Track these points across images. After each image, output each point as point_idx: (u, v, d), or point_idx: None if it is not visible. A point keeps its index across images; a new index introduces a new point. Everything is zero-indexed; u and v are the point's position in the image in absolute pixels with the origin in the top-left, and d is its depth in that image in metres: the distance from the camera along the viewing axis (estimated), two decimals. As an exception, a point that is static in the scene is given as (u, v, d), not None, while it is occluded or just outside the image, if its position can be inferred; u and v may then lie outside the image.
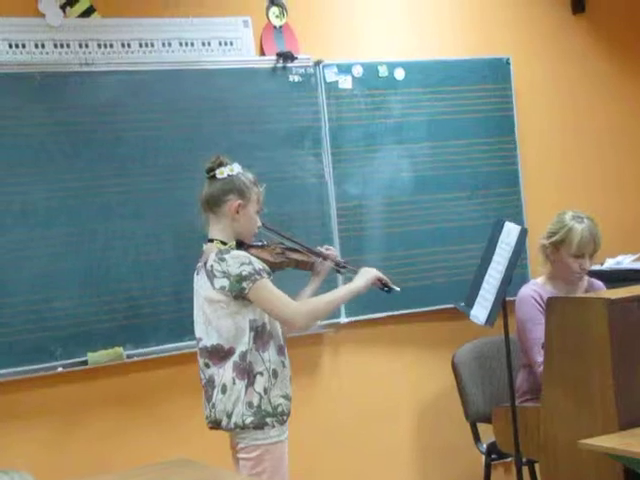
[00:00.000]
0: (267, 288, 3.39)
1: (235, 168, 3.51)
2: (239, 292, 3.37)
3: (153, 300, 4.25)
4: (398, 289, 3.70)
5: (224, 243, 3.47)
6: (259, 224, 3.56)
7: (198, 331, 3.51)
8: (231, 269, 3.37)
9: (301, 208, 4.56)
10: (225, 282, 3.37)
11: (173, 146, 4.31)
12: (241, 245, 3.52)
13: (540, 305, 4.04)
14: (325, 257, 3.71)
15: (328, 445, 4.68)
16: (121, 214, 4.21)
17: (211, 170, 3.51)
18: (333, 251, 3.78)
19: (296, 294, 3.62)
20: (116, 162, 4.22)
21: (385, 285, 3.66)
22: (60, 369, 4.09)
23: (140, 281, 4.23)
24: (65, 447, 4.14)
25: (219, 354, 3.43)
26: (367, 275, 3.62)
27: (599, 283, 4.32)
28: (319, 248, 3.75)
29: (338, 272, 3.82)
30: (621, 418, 3.38)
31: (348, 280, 3.66)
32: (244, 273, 3.36)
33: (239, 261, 3.38)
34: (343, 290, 3.60)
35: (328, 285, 3.79)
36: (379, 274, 3.65)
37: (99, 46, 4.24)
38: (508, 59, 5.08)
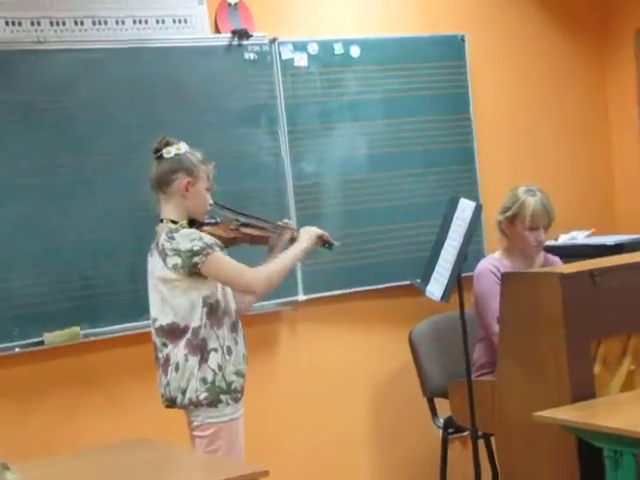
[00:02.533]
0: (220, 260, 3.41)
1: (182, 147, 3.51)
2: (192, 267, 3.37)
3: (109, 279, 4.24)
4: (338, 243, 3.75)
5: (174, 222, 3.48)
6: (210, 201, 3.56)
7: (153, 311, 3.52)
8: (181, 246, 3.37)
9: (258, 186, 4.55)
10: (177, 259, 3.38)
11: (127, 125, 4.28)
12: (194, 223, 3.52)
13: (498, 278, 4.07)
14: (281, 229, 3.72)
15: (285, 422, 4.70)
16: (75, 193, 4.18)
17: (158, 150, 3.51)
18: (290, 224, 3.79)
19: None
20: (69, 141, 4.19)
21: (326, 242, 3.69)
22: (17, 349, 4.07)
23: (95, 261, 4.21)
24: (22, 427, 4.12)
25: (175, 333, 3.43)
26: (310, 233, 3.64)
27: (555, 258, 4.37)
28: (277, 222, 3.75)
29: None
30: (574, 391, 3.43)
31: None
32: (195, 248, 3.37)
33: (189, 237, 3.39)
34: (292, 251, 3.60)
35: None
36: (320, 231, 3.68)
37: (51, 24, 4.19)
38: (463, 36, 5.09)
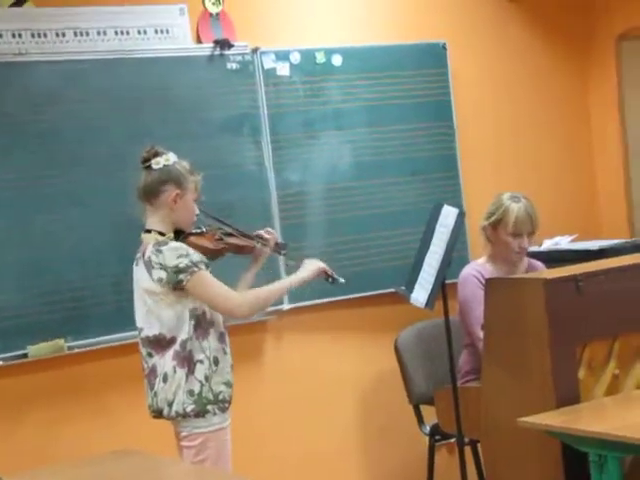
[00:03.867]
0: (206, 280, 3.40)
1: (171, 157, 3.49)
2: (176, 284, 3.37)
3: (93, 291, 4.23)
4: (343, 280, 3.72)
5: (162, 234, 3.46)
6: (197, 212, 3.55)
7: (139, 321, 3.51)
8: (168, 261, 3.36)
9: (241, 196, 4.56)
10: (162, 274, 3.37)
11: (110, 136, 4.28)
12: (180, 233, 3.52)
13: (482, 284, 4.08)
14: (265, 240, 3.71)
15: (272, 431, 4.69)
16: (59, 205, 4.18)
17: (146, 160, 3.49)
18: (274, 234, 3.78)
19: (236, 280, 3.62)
20: (53, 153, 4.19)
21: (330, 276, 3.69)
22: (0, 362, 4.06)
23: (80, 272, 4.21)
24: (7, 440, 4.10)
25: (161, 343, 3.42)
26: (312, 267, 3.64)
27: (539, 264, 4.39)
28: (259, 231, 3.75)
29: (278, 254, 3.84)
30: (559, 396, 3.44)
31: (292, 268, 3.68)
32: (181, 265, 3.36)
33: (176, 253, 3.38)
34: (286, 282, 3.63)
35: (270, 267, 3.81)
36: (324, 266, 3.67)
37: (33, 35, 4.19)
38: (444, 44, 5.11)
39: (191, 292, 3.38)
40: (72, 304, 4.19)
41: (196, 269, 3.37)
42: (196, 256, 3.41)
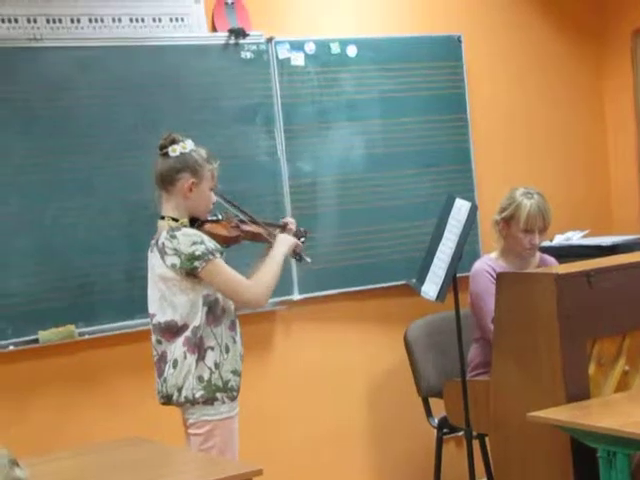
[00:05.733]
0: (220, 269, 3.39)
1: (188, 145, 3.48)
2: (190, 271, 3.37)
3: (105, 278, 4.23)
4: (309, 260, 3.74)
5: (175, 220, 3.46)
6: (213, 200, 3.55)
7: (152, 308, 3.50)
8: (182, 247, 3.36)
9: (254, 185, 4.55)
10: (176, 260, 3.37)
11: (124, 123, 4.28)
12: (195, 221, 3.52)
13: (494, 278, 4.07)
14: (283, 227, 3.71)
15: (280, 421, 4.70)
16: (72, 191, 4.18)
17: (164, 147, 3.48)
18: (291, 222, 3.78)
19: (250, 268, 3.60)
20: (66, 139, 4.18)
21: (298, 254, 3.68)
22: (11, 347, 4.07)
23: (91, 259, 4.21)
24: (16, 426, 4.11)
25: (172, 330, 3.42)
26: (287, 242, 3.61)
27: (551, 259, 4.37)
28: (278, 221, 3.76)
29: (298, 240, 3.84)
30: (569, 391, 3.44)
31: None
32: (197, 253, 3.36)
33: (191, 240, 3.37)
34: (277, 257, 3.55)
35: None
36: (295, 241, 3.65)
37: (48, 21, 4.19)
38: (460, 37, 5.09)
39: (205, 280, 3.38)
40: (83, 290, 4.19)
41: (211, 257, 3.37)
42: (211, 244, 3.40)
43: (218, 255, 3.40)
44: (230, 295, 3.44)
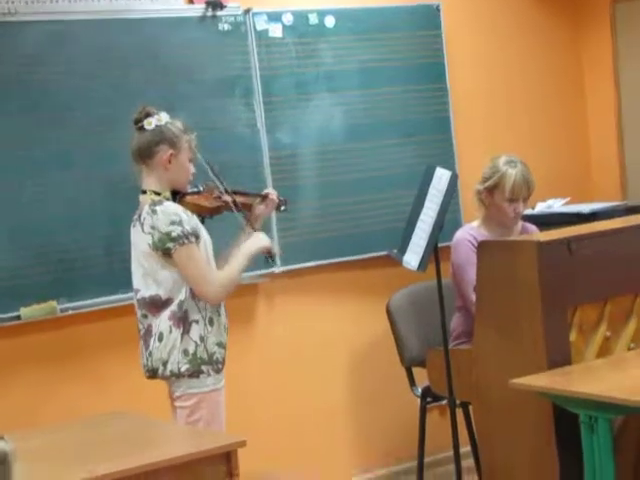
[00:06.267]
0: (192, 256, 3.38)
1: (163, 117, 3.48)
2: (164, 250, 3.37)
3: (85, 253, 4.22)
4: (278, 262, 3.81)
5: (157, 194, 3.45)
6: (193, 171, 3.54)
7: (136, 283, 3.50)
8: (160, 225, 3.36)
9: (234, 157, 4.53)
10: (149, 239, 3.37)
11: (102, 96, 4.25)
12: (176, 193, 3.51)
13: (475, 247, 4.08)
14: (265, 197, 3.71)
15: (264, 393, 4.71)
16: (50, 166, 4.15)
17: (138, 121, 3.47)
18: (272, 193, 3.77)
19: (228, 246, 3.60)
20: (44, 113, 4.15)
21: (271, 255, 3.67)
22: (-7, 324, 4.06)
23: (72, 234, 4.19)
24: (0, 402, 4.10)
25: (157, 305, 3.43)
26: (261, 243, 3.58)
27: (532, 227, 4.39)
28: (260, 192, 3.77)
29: (278, 210, 3.83)
30: (550, 358, 3.46)
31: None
32: (173, 234, 3.35)
33: (169, 219, 3.37)
34: (245, 254, 3.53)
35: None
36: (270, 245, 3.63)
37: (23, -5, 4.15)
38: (438, 5, 5.08)
39: (175, 261, 3.38)
40: (64, 266, 4.17)
41: (186, 241, 3.37)
42: (188, 227, 3.39)
43: (193, 240, 3.39)
44: (193, 283, 3.40)
